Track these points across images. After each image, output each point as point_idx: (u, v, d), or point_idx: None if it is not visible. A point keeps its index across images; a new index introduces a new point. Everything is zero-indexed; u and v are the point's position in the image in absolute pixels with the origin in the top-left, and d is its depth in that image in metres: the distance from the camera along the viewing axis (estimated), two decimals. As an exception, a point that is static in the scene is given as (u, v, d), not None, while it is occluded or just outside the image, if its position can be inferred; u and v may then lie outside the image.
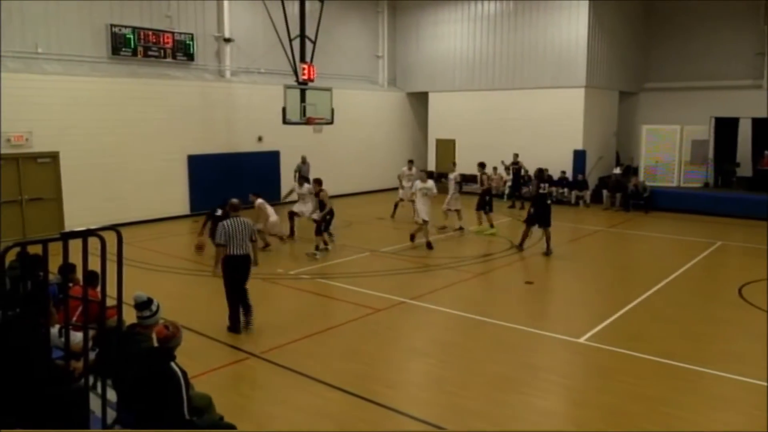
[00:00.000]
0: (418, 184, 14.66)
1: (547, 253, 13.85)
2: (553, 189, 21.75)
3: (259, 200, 14.07)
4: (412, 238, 14.80)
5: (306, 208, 14.95)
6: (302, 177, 20.30)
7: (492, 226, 16.40)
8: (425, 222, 14.29)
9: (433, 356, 8.25)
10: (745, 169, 21.50)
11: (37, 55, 15.73)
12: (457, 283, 11.78)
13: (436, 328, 9.46)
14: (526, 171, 21.91)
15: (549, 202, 14.31)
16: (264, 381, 7.31)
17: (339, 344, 8.55)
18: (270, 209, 14.15)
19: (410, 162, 19.67)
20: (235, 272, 8.76)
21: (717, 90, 22.66)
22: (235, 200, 9.23)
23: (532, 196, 14.93)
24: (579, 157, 21.94)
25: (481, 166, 17.15)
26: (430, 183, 14.69)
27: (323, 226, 13.67)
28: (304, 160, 20.69)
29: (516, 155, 22.17)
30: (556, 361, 8.05)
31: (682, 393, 6.97)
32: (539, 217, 13.96)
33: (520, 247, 14.30)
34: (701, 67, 23.35)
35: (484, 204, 16.34)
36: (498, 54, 23.85)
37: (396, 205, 18.58)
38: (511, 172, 22.29)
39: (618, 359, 7.93)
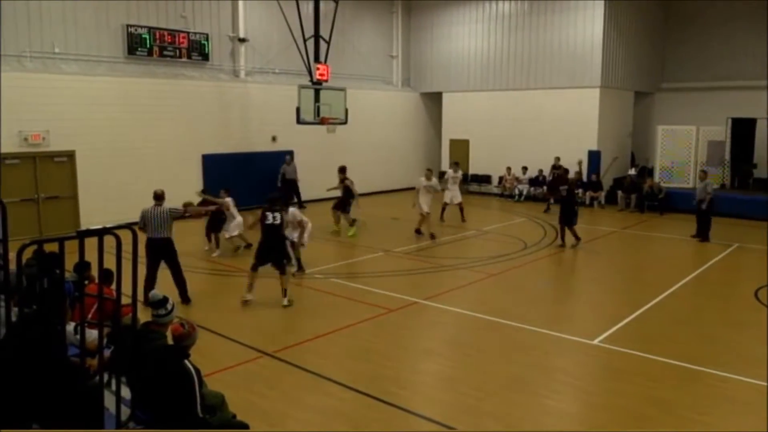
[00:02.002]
0: (423, 181, 15.80)
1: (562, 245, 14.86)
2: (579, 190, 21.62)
3: (228, 198, 13.65)
4: (418, 231, 15.87)
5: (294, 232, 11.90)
6: (286, 181, 19.95)
7: (352, 225, 16.12)
8: (427, 214, 15.52)
9: (446, 357, 8.24)
10: (762, 171, 21.27)
11: (54, 55, 15.89)
12: (471, 283, 11.74)
13: (449, 328, 9.43)
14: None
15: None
16: (277, 380, 7.32)
17: (352, 344, 8.55)
18: (234, 210, 13.69)
19: (456, 164, 19.27)
20: (155, 254, 9.81)
21: (734, 90, 22.42)
22: (158, 190, 10.10)
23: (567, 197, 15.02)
24: (594, 157, 21.80)
25: (342, 171, 16.35)
26: (434, 181, 16.02)
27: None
28: (288, 161, 20.12)
29: (557, 158, 21.95)
30: (570, 362, 8.00)
31: (698, 396, 6.91)
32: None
33: (563, 244, 14.91)
34: (718, 67, 23.12)
35: (343, 204, 16.05)
36: (513, 54, 23.76)
37: (443, 208, 17.87)
38: (552, 175, 22.15)
39: (632, 361, 7.86)
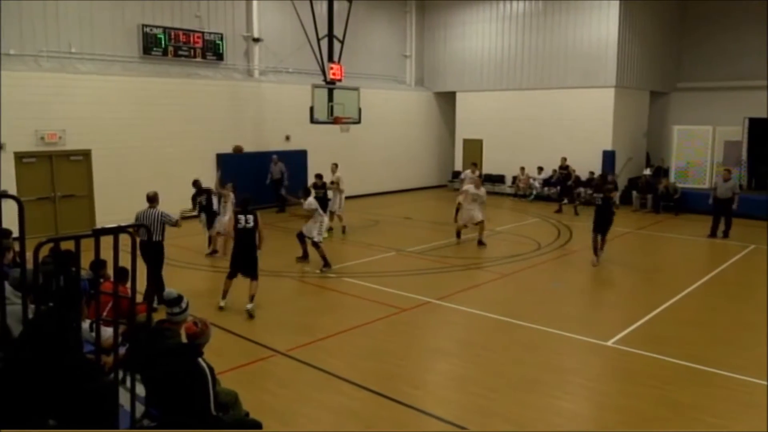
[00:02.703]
0: (471, 188, 15.21)
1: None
2: (581, 190, 21.49)
3: (231, 194, 13.33)
4: (480, 242, 15.03)
5: (312, 226, 12.46)
6: (274, 181, 19.43)
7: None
8: (481, 221, 14.96)
9: (458, 357, 8.23)
10: (779, 171, 21.00)
11: (71, 55, 16.03)
12: (484, 283, 11.73)
13: (461, 328, 9.42)
14: (576, 176, 21.57)
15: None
16: (289, 379, 7.36)
17: (364, 343, 8.57)
18: (230, 207, 13.07)
19: (474, 165, 19.56)
20: (149, 256, 9.58)
21: (751, 90, 22.13)
22: (151, 192, 9.98)
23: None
24: (608, 157, 21.67)
25: (319, 177, 16.20)
26: (483, 190, 15.37)
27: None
28: (275, 161, 19.70)
29: (564, 159, 21.96)
30: (583, 363, 7.97)
31: (712, 399, 6.85)
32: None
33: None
34: (735, 67, 22.87)
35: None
36: (527, 53, 23.66)
37: (458, 209, 17.68)
38: (558, 176, 22.07)
39: (646, 363, 7.82)
